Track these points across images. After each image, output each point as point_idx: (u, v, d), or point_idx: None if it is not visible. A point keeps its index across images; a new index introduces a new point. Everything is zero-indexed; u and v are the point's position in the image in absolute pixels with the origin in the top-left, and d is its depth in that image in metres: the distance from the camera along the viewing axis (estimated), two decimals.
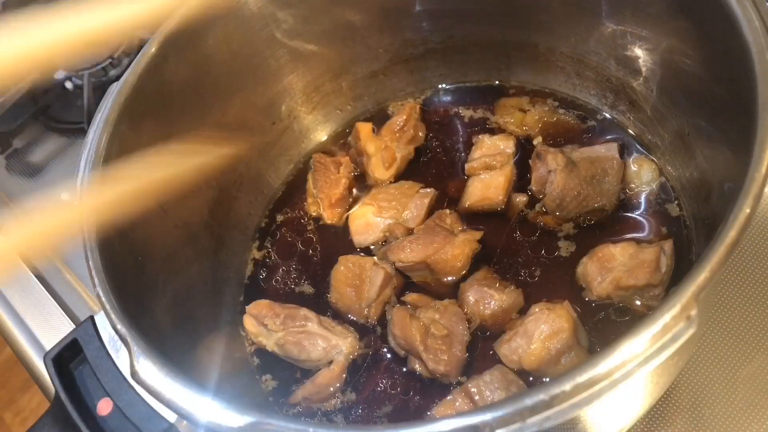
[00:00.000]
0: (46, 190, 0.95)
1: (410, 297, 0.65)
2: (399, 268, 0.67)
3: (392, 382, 0.62)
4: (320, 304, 0.69)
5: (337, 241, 0.73)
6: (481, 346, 0.62)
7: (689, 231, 0.64)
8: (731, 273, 0.65)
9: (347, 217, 0.73)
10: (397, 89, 0.82)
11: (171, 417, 0.47)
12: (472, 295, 0.62)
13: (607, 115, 0.74)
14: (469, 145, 0.76)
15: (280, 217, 0.77)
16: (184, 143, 0.66)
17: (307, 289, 0.71)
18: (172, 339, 0.57)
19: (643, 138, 0.70)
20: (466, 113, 0.79)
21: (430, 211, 0.70)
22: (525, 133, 0.75)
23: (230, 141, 0.72)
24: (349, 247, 0.71)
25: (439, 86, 0.82)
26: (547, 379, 0.57)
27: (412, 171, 0.76)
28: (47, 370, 0.52)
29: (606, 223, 0.66)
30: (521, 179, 0.71)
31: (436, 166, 0.76)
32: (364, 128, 0.75)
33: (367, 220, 0.71)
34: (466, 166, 0.72)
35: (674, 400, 0.60)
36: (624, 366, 0.35)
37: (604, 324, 0.60)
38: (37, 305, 0.76)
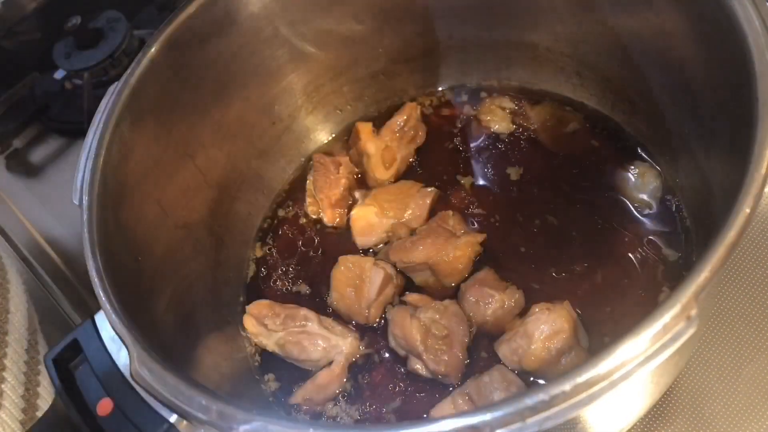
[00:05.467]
0: (46, 190, 0.95)
1: (410, 297, 0.65)
2: (400, 269, 0.67)
3: (392, 383, 0.62)
4: (321, 304, 0.69)
5: (338, 241, 0.73)
6: (482, 347, 0.62)
7: (689, 231, 0.64)
8: (731, 273, 0.65)
9: (348, 218, 0.73)
10: (397, 89, 0.82)
11: (171, 417, 0.47)
12: (472, 295, 0.62)
13: (607, 116, 0.74)
14: (468, 145, 0.76)
15: (280, 217, 0.77)
16: (184, 143, 0.66)
17: (308, 289, 0.71)
18: (172, 339, 0.57)
19: (643, 138, 0.70)
20: (466, 113, 0.79)
21: (432, 211, 0.70)
22: (511, 130, 0.76)
23: (230, 141, 0.72)
24: (351, 248, 0.71)
25: (440, 86, 0.82)
26: (543, 381, 0.57)
27: (412, 171, 0.76)
28: (47, 370, 0.52)
29: (608, 225, 0.66)
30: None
31: (436, 166, 0.76)
32: (365, 128, 0.75)
33: (369, 221, 0.71)
34: None
35: (674, 400, 0.60)
36: (624, 366, 0.35)
37: (604, 325, 0.60)
38: (37, 305, 0.76)
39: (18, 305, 0.69)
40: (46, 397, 0.66)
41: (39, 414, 0.65)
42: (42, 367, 0.66)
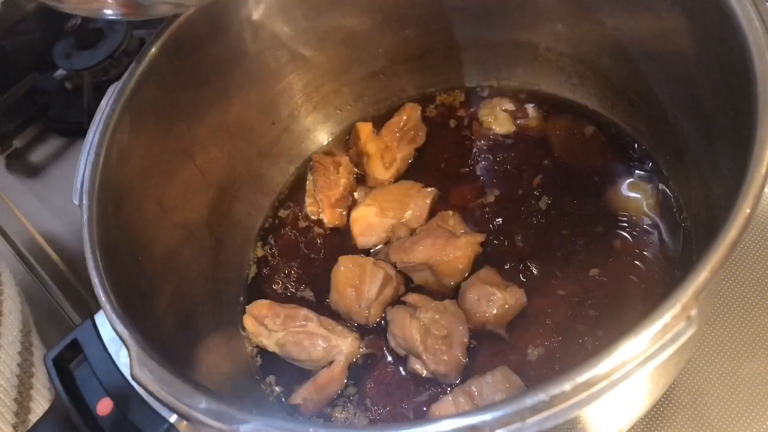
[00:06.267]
0: (46, 190, 0.95)
1: (410, 297, 0.65)
2: (400, 269, 0.67)
3: (393, 383, 0.62)
4: (321, 304, 0.69)
5: (339, 241, 0.73)
6: (483, 347, 0.62)
7: (689, 231, 0.64)
8: (731, 273, 0.65)
9: (348, 218, 0.73)
10: (397, 89, 0.82)
11: (171, 417, 0.47)
12: (474, 293, 0.62)
13: (608, 117, 0.74)
14: (469, 146, 0.76)
15: (281, 217, 0.77)
16: (184, 143, 0.66)
17: (309, 289, 0.71)
18: (172, 339, 0.57)
19: (643, 138, 0.70)
20: (466, 114, 0.79)
21: (432, 211, 0.70)
22: (511, 131, 0.76)
23: (230, 141, 0.72)
24: (351, 248, 0.71)
25: (439, 86, 0.82)
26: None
27: (412, 172, 0.76)
28: (47, 370, 0.52)
29: (608, 225, 0.66)
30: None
31: (436, 167, 0.76)
32: (364, 128, 0.75)
33: (369, 221, 0.71)
34: None
35: (674, 400, 0.60)
36: (624, 366, 0.35)
37: (603, 325, 0.60)
38: (37, 305, 0.76)
39: (11, 308, 0.68)
40: (39, 399, 0.65)
41: (32, 416, 0.64)
42: (36, 370, 0.66)
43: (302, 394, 0.62)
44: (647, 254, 0.64)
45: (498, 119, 0.76)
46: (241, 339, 0.68)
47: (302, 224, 0.76)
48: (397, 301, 0.66)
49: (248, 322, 0.66)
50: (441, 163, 0.76)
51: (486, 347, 0.62)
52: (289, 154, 0.80)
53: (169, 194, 0.64)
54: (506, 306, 0.61)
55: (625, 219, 0.66)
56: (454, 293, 0.65)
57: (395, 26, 0.76)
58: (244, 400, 0.63)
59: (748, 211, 0.39)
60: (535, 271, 0.65)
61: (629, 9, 0.63)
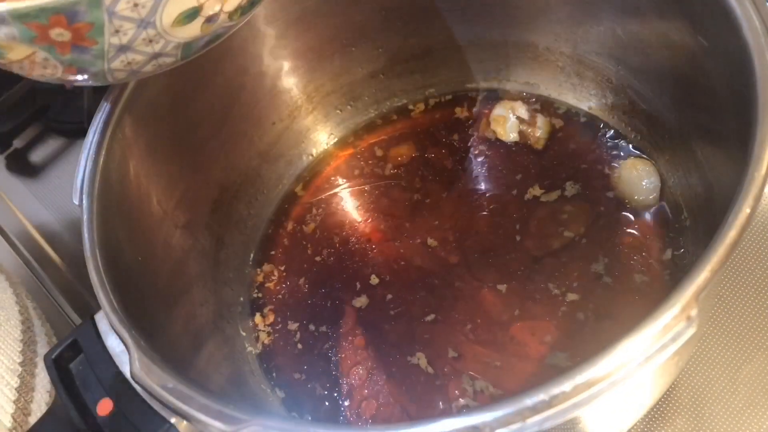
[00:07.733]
0: (46, 190, 0.95)
1: None
2: None
3: (393, 381, 0.63)
4: (322, 304, 0.69)
5: (339, 238, 0.73)
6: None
7: (689, 231, 0.64)
8: (731, 273, 0.65)
9: None
10: (397, 89, 0.82)
11: (171, 417, 0.47)
12: None
13: (608, 117, 0.74)
14: (466, 148, 0.76)
15: (281, 217, 0.77)
16: (184, 143, 0.66)
17: (309, 288, 0.71)
18: (173, 339, 0.57)
19: (643, 138, 0.70)
20: (465, 114, 0.79)
21: None
22: (511, 133, 0.75)
23: (230, 140, 0.72)
24: (346, 241, 0.71)
25: (439, 87, 0.82)
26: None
27: (410, 173, 0.76)
28: (47, 370, 0.52)
29: (606, 226, 0.66)
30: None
31: (437, 166, 0.76)
32: None
33: None
34: None
35: (674, 400, 0.60)
36: (624, 366, 0.35)
37: (602, 325, 0.60)
38: (37, 305, 0.76)
39: (9, 316, 0.67)
40: (40, 402, 0.65)
41: (32, 419, 0.64)
42: (38, 371, 0.66)
43: None
44: (646, 255, 0.64)
45: (497, 121, 0.76)
46: (241, 339, 0.68)
47: (303, 224, 0.76)
48: None
49: None
50: (441, 163, 0.76)
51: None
52: (289, 154, 0.80)
53: (169, 194, 0.64)
54: None
55: (623, 219, 0.66)
56: None
57: (395, 26, 0.76)
58: (244, 400, 0.63)
59: (748, 211, 0.39)
60: (530, 269, 0.65)
61: (629, 9, 0.63)
